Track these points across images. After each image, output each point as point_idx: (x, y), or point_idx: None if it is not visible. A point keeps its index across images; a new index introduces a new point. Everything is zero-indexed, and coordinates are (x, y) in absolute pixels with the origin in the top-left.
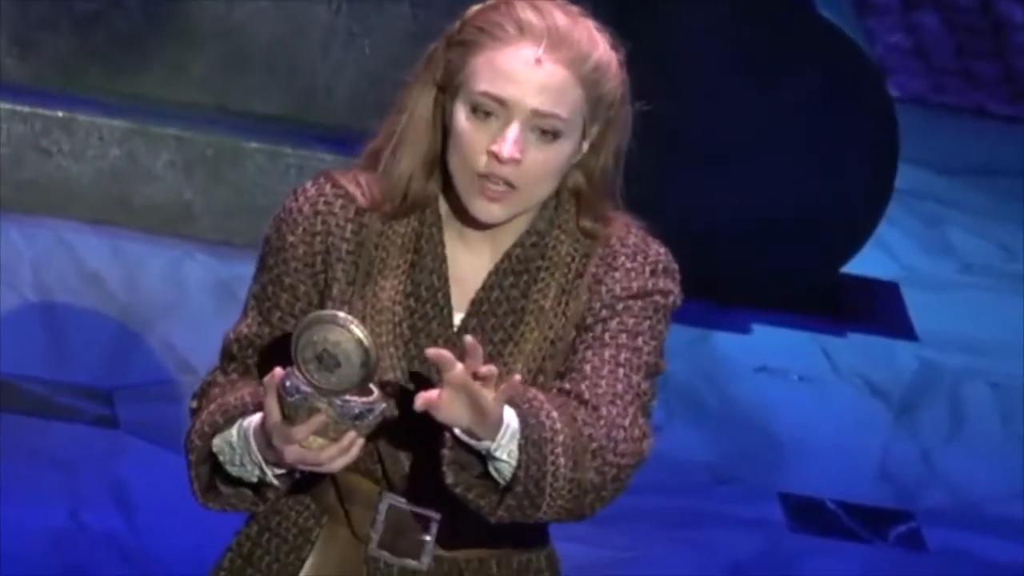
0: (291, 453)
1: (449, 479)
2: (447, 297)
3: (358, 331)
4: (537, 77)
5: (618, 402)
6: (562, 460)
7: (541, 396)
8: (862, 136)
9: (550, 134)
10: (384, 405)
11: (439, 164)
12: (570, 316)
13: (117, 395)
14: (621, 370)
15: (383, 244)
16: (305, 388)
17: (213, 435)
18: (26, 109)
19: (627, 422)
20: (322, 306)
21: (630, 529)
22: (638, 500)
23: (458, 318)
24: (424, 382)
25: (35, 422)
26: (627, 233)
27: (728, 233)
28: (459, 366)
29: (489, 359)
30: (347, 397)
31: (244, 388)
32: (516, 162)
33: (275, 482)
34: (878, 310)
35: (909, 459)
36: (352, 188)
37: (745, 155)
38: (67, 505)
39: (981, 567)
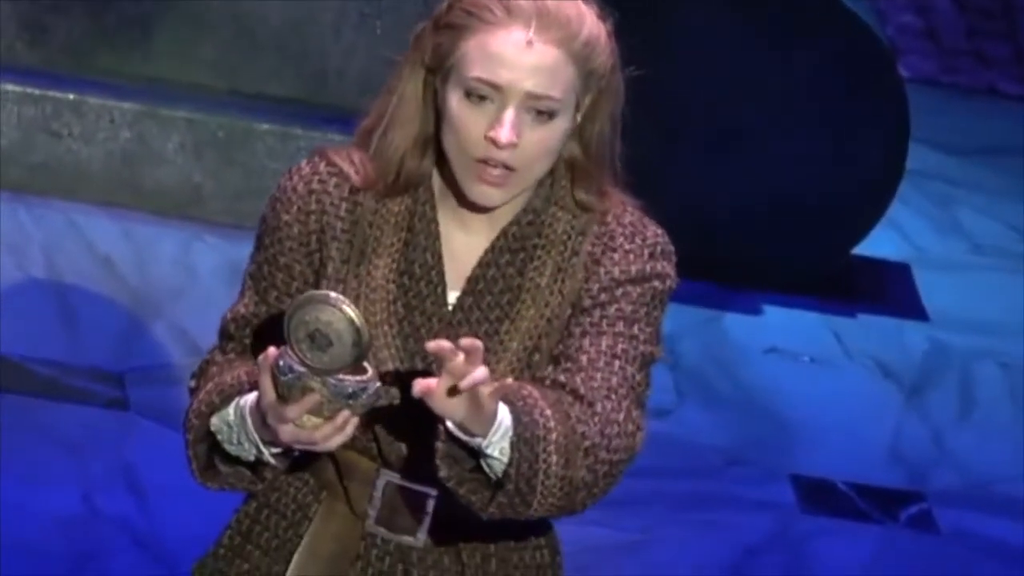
0: (286, 432)
1: (442, 472)
2: (441, 275)
3: (350, 311)
4: (529, 59)
5: (612, 396)
6: (554, 458)
7: (536, 393)
8: (873, 117)
9: (545, 114)
10: (379, 384)
11: (432, 143)
12: (566, 294)
13: (128, 377)
14: (617, 362)
15: (377, 222)
16: (298, 367)
17: (210, 415)
18: (36, 92)
19: (621, 417)
20: (317, 285)
21: (642, 511)
22: (650, 482)
23: (453, 296)
24: (421, 361)
25: (46, 404)
26: (623, 211)
27: (738, 214)
28: (460, 357)
29: (485, 337)
30: (340, 376)
31: (241, 367)
32: (514, 146)
33: (272, 461)
34: (889, 291)
35: (920, 440)
36: (346, 166)
37: (756, 136)
38: (78, 488)
39: (992, 547)
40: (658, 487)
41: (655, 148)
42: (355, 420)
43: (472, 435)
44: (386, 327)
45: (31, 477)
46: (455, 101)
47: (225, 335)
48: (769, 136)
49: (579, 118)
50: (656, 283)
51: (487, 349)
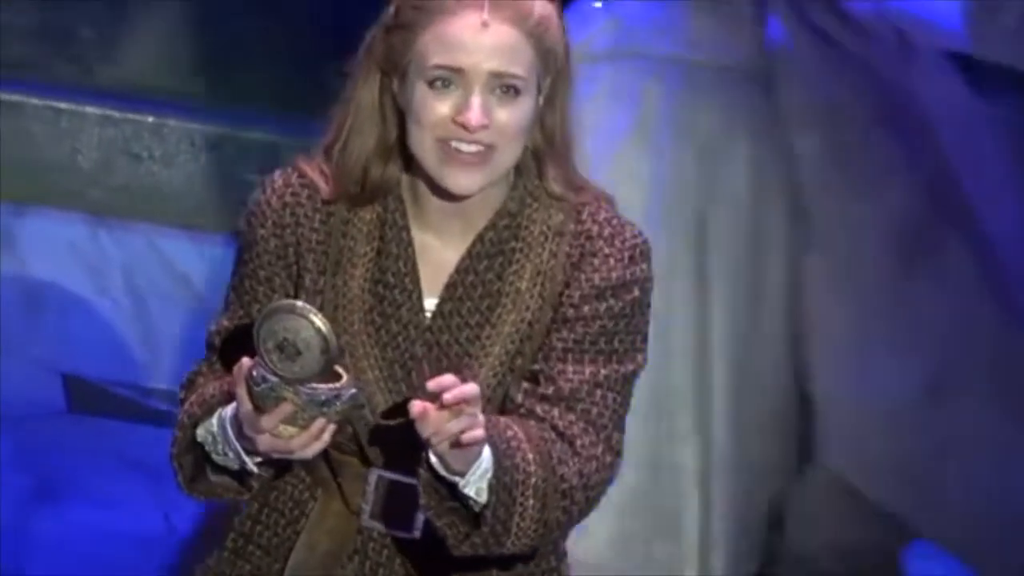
0: (263, 442)
1: (422, 501)
2: (416, 282)
3: (316, 319)
4: (487, 40)
5: (591, 430)
6: (531, 503)
7: (520, 434)
8: None
9: (512, 90)
10: (354, 391)
11: (396, 150)
12: (547, 297)
13: None
14: (599, 391)
15: (350, 232)
16: (271, 377)
17: (193, 427)
18: (117, 114)
19: (599, 451)
20: (296, 296)
21: None
22: None
23: (431, 303)
24: (400, 368)
25: (125, 426)
26: (598, 208)
27: None
28: (465, 389)
29: (467, 343)
30: (313, 385)
31: (224, 379)
32: (485, 128)
33: (255, 470)
34: None
35: None
36: (316, 177)
37: None
38: (158, 509)
39: None
40: None
41: None
42: (332, 427)
43: (452, 471)
44: (364, 336)
45: (111, 498)
46: (419, 93)
47: (210, 347)
48: None
49: (541, 101)
50: (636, 291)
51: (469, 354)
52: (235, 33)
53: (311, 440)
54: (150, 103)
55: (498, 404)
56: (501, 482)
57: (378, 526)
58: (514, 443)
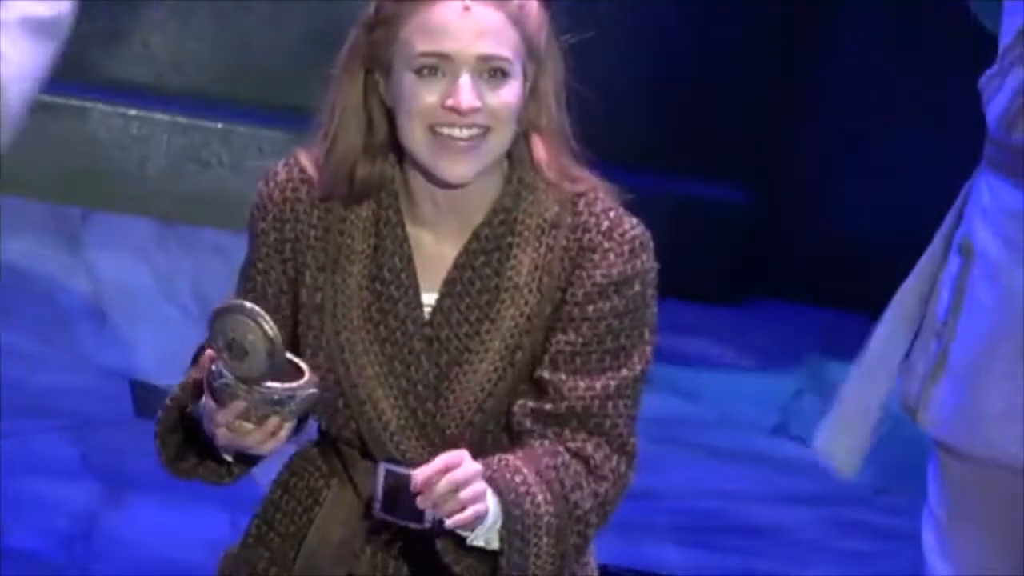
0: (221, 436)
1: (439, 547)
2: (412, 277)
3: (263, 322)
4: (472, 24)
5: (604, 445)
6: (545, 540)
7: (530, 476)
8: None
9: (499, 73)
10: (312, 391)
11: (386, 148)
12: (545, 292)
13: None
14: (610, 404)
15: (347, 230)
16: (226, 373)
17: (177, 407)
18: (185, 121)
19: (614, 462)
20: (296, 293)
21: (788, 541)
22: (797, 512)
23: (430, 298)
24: (399, 364)
25: None
26: (595, 198)
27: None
28: (471, 469)
29: (466, 338)
30: (267, 384)
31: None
32: (477, 110)
33: (228, 458)
34: None
35: None
36: (313, 173)
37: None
38: (226, 512)
39: None
40: (805, 516)
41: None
42: (288, 425)
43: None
44: (363, 333)
45: (179, 501)
46: (406, 83)
47: None
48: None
49: (527, 88)
50: (637, 285)
51: (468, 350)
52: (304, 40)
53: (266, 437)
54: (219, 110)
55: (498, 399)
56: (512, 530)
57: (389, 518)
58: (522, 489)
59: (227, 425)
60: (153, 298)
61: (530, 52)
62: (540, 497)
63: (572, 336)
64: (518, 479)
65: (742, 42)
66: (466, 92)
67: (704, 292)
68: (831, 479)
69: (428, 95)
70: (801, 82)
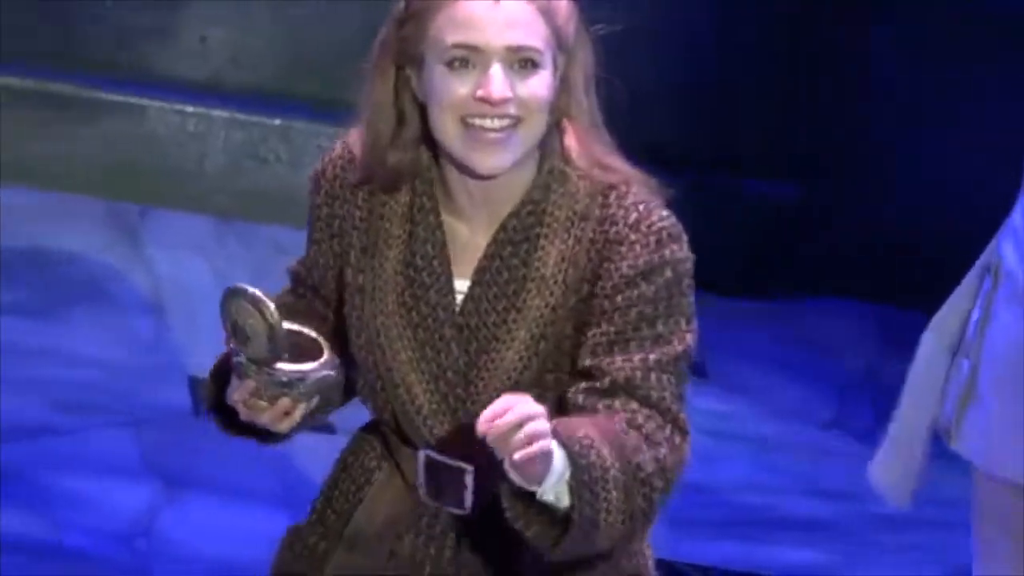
0: (240, 411)
1: (508, 514)
2: (444, 264)
3: (263, 308)
4: (501, 15)
5: (656, 416)
6: (614, 495)
7: (592, 432)
8: None
9: (529, 63)
10: (324, 373)
11: (419, 140)
12: (570, 284)
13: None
14: (653, 375)
15: (387, 214)
16: (240, 353)
17: (224, 363)
18: (244, 117)
19: (668, 433)
20: (342, 270)
21: (841, 536)
22: (850, 504)
23: (463, 285)
24: (430, 349)
25: None
26: (626, 192)
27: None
28: (536, 407)
29: (493, 326)
30: (277, 366)
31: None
32: (508, 100)
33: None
34: None
35: None
36: (357, 158)
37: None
38: (286, 510)
39: None
40: (858, 508)
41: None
42: (301, 406)
43: (529, 482)
44: (397, 318)
45: (238, 497)
46: (438, 76)
47: (290, 280)
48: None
49: (558, 79)
50: (668, 272)
51: (496, 338)
52: (361, 35)
53: (278, 417)
54: (277, 106)
55: (525, 387)
56: (581, 481)
57: (432, 503)
58: (586, 441)
59: (243, 402)
60: (211, 295)
61: (559, 43)
62: (605, 451)
63: (606, 327)
64: (581, 433)
65: (782, 41)
66: (497, 82)
67: (756, 288)
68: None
69: (460, 87)
70: (848, 80)
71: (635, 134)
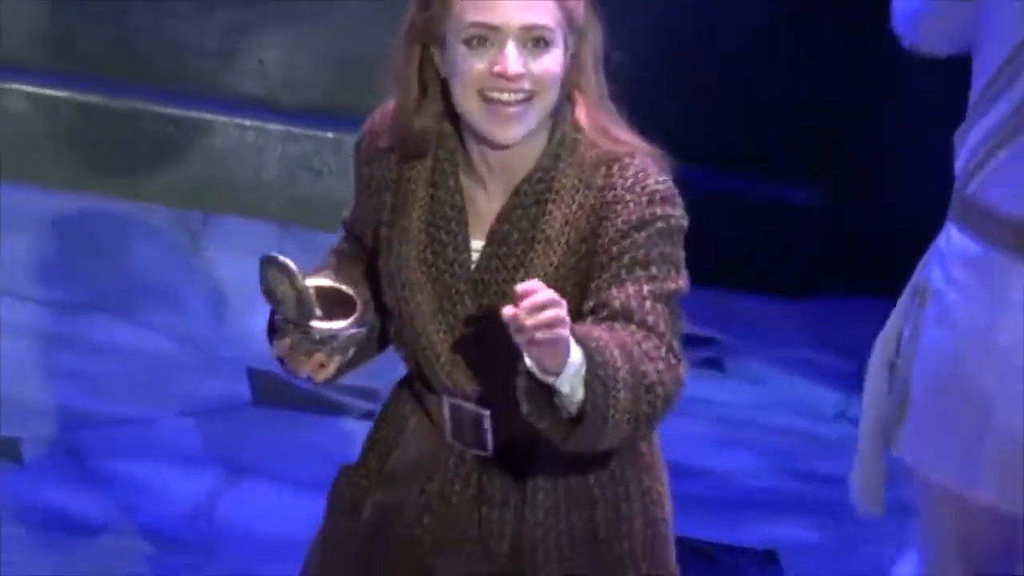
0: (282, 364)
1: (524, 408)
2: (462, 224)
3: (291, 275)
4: None
5: (653, 337)
6: (622, 395)
7: (605, 335)
8: None
9: (541, 41)
10: (354, 331)
11: (441, 113)
12: (572, 245)
13: (382, 392)
14: (647, 303)
15: (413, 178)
16: (278, 314)
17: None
18: (298, 131)
19: (663, 353)
20: (377, 227)
21: (848, 518)
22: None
23: (478, 244)
24: (447, 302)
25: (308, 417)
26: (629, 162)
27: None
28: (556, 296)
29: (504, 284)
30: (311, 324)
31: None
32: (522, 76)
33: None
34: None
35: None
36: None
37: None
38: None
39: None
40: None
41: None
42: (336, 359)
43: (547, 372)
44: (419, 273)
45: (295, 484)
46: (459, 53)
47: (343, 228)
48: None
49: (569, 58)
50: (660, 224)
51: (506, 294)
52: None
53: (315, 368)
54: (329, 120)
55: None
56: (596, 375)
57: (458, 445)
58: (601, 342)
59: (283, 355)
60: None
61: (570, 23)
62: (616, 353)
63: (603, 274)
64: (597, 334)
65: (814, 47)
66: (512, 59)
67: (778, 286)
68: (894, 460)
69: (478, 63)
70: (874, 83)
71: (635, 134)
